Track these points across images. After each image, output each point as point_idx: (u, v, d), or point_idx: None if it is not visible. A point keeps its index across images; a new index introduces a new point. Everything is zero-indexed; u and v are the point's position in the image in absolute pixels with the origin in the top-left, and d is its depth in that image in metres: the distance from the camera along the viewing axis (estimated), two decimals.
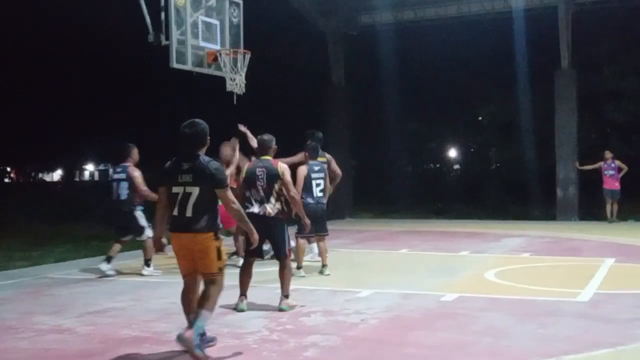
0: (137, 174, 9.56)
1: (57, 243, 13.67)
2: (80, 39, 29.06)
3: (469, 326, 6.53)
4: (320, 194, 9.50)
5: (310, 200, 9.32)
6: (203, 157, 5.64)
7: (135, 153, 9.81)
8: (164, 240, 5.82)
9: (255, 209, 7.28)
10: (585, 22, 19.91)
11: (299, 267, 9.47)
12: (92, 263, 11.23)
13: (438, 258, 11.53)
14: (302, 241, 9.63)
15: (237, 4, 11.51)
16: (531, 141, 23.22)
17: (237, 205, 5.76)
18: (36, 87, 32.35)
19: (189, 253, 5.61)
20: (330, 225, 17.19)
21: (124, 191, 9.57)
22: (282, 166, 7.44)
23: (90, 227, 16.41)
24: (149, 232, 9.40)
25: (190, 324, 5.49)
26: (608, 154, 17.71)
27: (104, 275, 9.57)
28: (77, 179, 59.55)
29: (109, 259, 9.65)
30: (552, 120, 19.20)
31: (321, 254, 9.71)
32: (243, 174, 7.55)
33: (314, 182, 9.39)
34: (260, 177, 7.33)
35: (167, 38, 10.34)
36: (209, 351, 5.59)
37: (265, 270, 9.34)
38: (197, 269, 5.65)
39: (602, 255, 11.31)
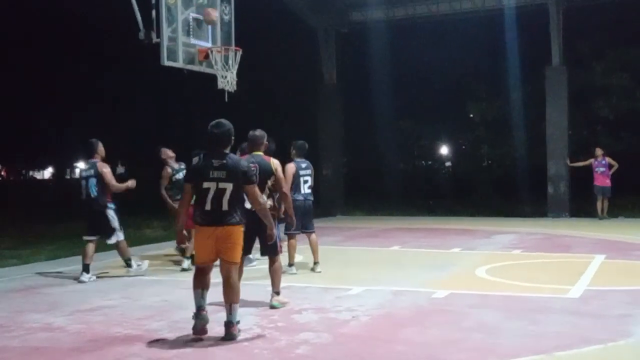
0: (106, 169, 9.24)
1: (48, 241, 13.63)
2: (72, 36, 29.02)
3: (459, 323, 6.56)
4: (308, 191, 9.60)
5: (299, 197, 9.39)
6: (232, 155, 6.17)
7: (101, 148, 9.46)
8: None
9: (247, 204, 7.25)
10: (576, 19, 19.98)
11: (290, 265, 9.49)
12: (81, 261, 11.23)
13: (429, 255, 11.56)
14: (292, 240, 9.57)
15: (229, 1, 11.47)
16: (522, 138, 23.31)
17: (263, 200, 6.40)
18: (27, 84, 32.23)
19: (215, 244, 6.00)
20: (322, 223, 17.29)
21: (93, 188, 9.19)
22: (275, 162, 7.44)
23: (81, 225, 16.32)
24: (119, 235, 9.32)
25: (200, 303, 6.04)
26: (599, 151, 17.78)
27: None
28: (68, 177, 59.32)
29: (86, 268, 9.13)
30: (543, 117, 19.28)
31: (313, 250, 9.71)
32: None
33: (302, 179, 9.48)
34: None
35: (158, 36, 10.30)
36: (204, 356, 5.58)
37: (257, 268, 9.35)
38: (217, 258, 6.07)
39: (593, 251, 11.37)
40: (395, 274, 9.60)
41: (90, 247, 9.24)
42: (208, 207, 5.97)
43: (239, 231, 6.08)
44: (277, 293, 7.35)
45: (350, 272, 9.77)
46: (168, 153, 10.69)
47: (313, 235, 9.70)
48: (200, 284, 6.10)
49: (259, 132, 7.62)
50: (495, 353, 5.55)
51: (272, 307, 7.23)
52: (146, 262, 9.82)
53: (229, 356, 5.59)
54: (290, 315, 6.90)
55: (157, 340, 6.06)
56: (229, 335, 5.96)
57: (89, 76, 30.99)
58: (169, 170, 10.51)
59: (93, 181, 9.18)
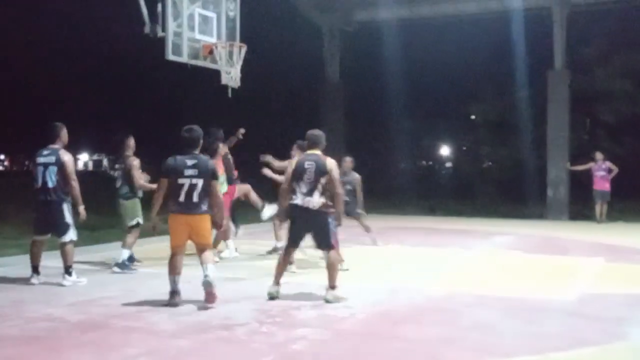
0: (67, 158, 8.30)
1: None
2: (77, 28, 29.00)
3: (457, 322, 6.60)
4: None
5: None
6: (201, 156, 7.27)
7: (64, 134, 8.52)
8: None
9: (299, 200, 7.41)
10: (579, 23, 20.01)
11: (290, 263, 9.51)
12: (83, 252, 11.25)
13: (428, 254, 11.59)
14: None
15: None
16: (523, 140, 23.31)
17: (221, 195, 7.47)
18: (31, 76, 32.24)
19: (187, 229, 7.12)
20: None
21: (52, 177, 8.18)
22: (331, 162, 7.51)
23: (29, 220, 16.34)
24: (72, 234, 8.37)
25: (175, 285, 7.20)
26: (599, 155, 17.81)
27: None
28: None
29: (36, 269, 8.49)
30: (544, 120, 19.31)
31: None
32: (292, 166, 7.57)
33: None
34: (308, 170, 7.42)
35: (164, 30, 10.36)
36: (202, 349, 5.63)
37: (260, 265, 9.39)
38: (190, 241, 7.21)
39: (591, 254, 11.40)
40: (394, 271, 9.65)
41: (37, 245, 8.49)
42: (182, 199, 7.08)
43: (207, 219, 7.21)
44: (333, 287, 7.40)
45: (349, 270, 9.79)
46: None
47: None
48: (175, 269, 7.17)
49: (317, 132, 7.79)
50: (492, 352, 5.59)
51: (327, 301, 7.28)
52: (85, 280, 8.57)
53: (228, 350, 5.64)
54: (289, 311, 6.94)
55: (156, 332, 6.10)
56: (205, 282, 7.05)
57: (93, 67, 31.01)
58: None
59: (53, 169, 8.19)
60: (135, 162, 9.36)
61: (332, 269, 7.45)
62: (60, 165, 8.20)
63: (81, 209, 8.35)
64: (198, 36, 10.87)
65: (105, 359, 5.31)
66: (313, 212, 7.41)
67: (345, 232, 12.76)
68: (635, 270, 9.94)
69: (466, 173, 27.03)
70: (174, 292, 7.19)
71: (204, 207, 7.15)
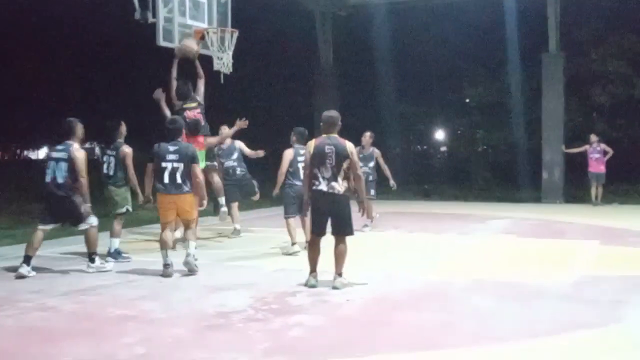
0: (79, 154, 8.21)
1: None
2: (68, 16, 28.73)
3: (453, 307, 6.59)
4: None
5: (297, 182, 9.55)
6: (182, 143, 8.33)
7: (80, 130, 8.48)
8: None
9: (323, 186, 7.31)
10: (574, 5, 19.93)
11: (293, 244, 9.72)
12: (76, 241, 11.19)
13: (424, 239, 11.58)
14: (291, 220, 9.83)
15: None
16: (518, 124, 23.29)
17: (201, 177, 8.36)
18: (21, 63, 31.97)
19: (174, 207, 8.16)
20: None
21: (62, 172, 8.15)
22: (350, 145, 7.40)
23: (37, 210, 16.29)
24: (92, 220, 8.31)
25: (167, 258, 8.14)
26: (593, 137, 17.79)
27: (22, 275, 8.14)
28: None
29: (28, 260, 8.21)
30: (539, 102, 19.26)
31: (305, 232, 9.66)
32: (311, 151, 7.42)
33: (299, 165, 9.47)
34: (329, 154, 7.29)
35: (154, 16, 10.24)
36: (197, 337, 5.60)
37: (255, 251, 9.36)
38: (177, 217, 8.30)
39: (587, 237, 11.41)
40: (390, 257, 9.63)
41: (39, 235, 8.29)
42: (166, 180, 8.09)
43: (190, 197, 8.22)
44: (340, 274, 7.36)
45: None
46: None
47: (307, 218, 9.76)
48: (165, 244, 8.14)
49: (334, 113, 7.64)
50: (488, 337, 5.57)
51: (335, 288, 7.23)
52: (112, 263, 8.80)
53: (224, 337, 5.61)
54: (285, 298, 6.91)
55: (151, 321, 6.07)
56: (186, 261, 8.13)
57: (83, 54, 30.78)
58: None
59: (63, 166, 8.17)
60: (129, 151, 9.27)
61: (341, 256, 7.39)
62: (71, 161, 8.15)
63: (86, 206, 8.24)
64: (189, 22, 10.75)
65: (101, 348, 5.28)
66: (338, 197, 7.32)
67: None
68: (631, 252, 9.95)
69: (461, 157, 27.01)
70: (167, 265, 8.07)
71: (186, 187, 8.13)
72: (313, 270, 7.49)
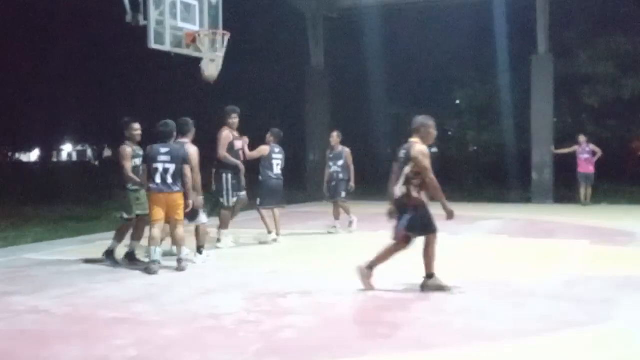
0: (192, 151, 8.83)
1: (34, 224, 13.58)
2: (59, 16, 28.64)
3: (443, 306, 6.63)
4: (279, 172, 11.14)
5: (272, 175, 11.02)
6: (173, 145, 8.63)
7: (193, 130, 9.20)
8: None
9: (395, 189, 7.23)
10: (562, 7, 20.05)
11: (269, 232, 10.95)
12: (69, 244, 11.21)
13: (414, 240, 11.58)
14: (264, 211, 11.04)
15: None
16: (508, 125, 23.38)
17: (192, 176, 8.58)
18: (13, 65, 31.81)
19: (164, 206, 8.41)
20: (309, 208, 17.36)
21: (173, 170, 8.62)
22: (416, 150, 7.10)
23: (68, 208, 16.31)
24: (203, 218, 9.12)
25: (154, 254, 8.35)
26: (582, 138, 17.92)
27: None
28: (55, 160, 58.87)
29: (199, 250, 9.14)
30: (529, 104, 19.39)
31: (276, 222, 11.03)
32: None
33: (274, 162, 11.06)
34: (401, 159, 7.24)
35: (145, 18, 10.24)
36: (190, 339, 5.62)
37: (246, 253, 9.37)
38: (167, 216, 8.46)
39: (576, 237, 11.49)
40: None
41: (204, 228, 9.19)
42: (158, 180, 8.41)
43: (180, 197, 8.48)
44: (429, 277, 7.23)
45: (337, 256, 9.84)
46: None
47: (276, 210, 11.11)
48: (154, 240, 8.33)
49: (421, 118, 7.47)
50: (478, 336, 5.61)
51: (424, 288, 7.15)
52: (210, 254, 9.46)
53: (216, 338, 5.63)
54: (276, 299, 6.94)
55: (143, 323, 6.09)
56: (180, 267, 8.46)
57: (76, 57, 30.66)
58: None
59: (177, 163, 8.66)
60: (125, 151, 9.05)
61: (426, 257, 7.28)
62: (185, 158, 8.64)
63: (198, 198, 8.81)
64: (180, 24, 10.75)
65: (93, 351, 5.29)
66: (396, 201, 7.24)
67: (333, 219, 12.84)
68: (620, 252, 10.03)
69: (451, 158, 27.08)
70: (154, 261, 8.32)
71: (177, 187, 8.45)
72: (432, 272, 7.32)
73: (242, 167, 10.51)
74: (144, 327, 5.95)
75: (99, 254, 9.42)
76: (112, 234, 10.63)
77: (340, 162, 12.71)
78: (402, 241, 7.38)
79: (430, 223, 7.27)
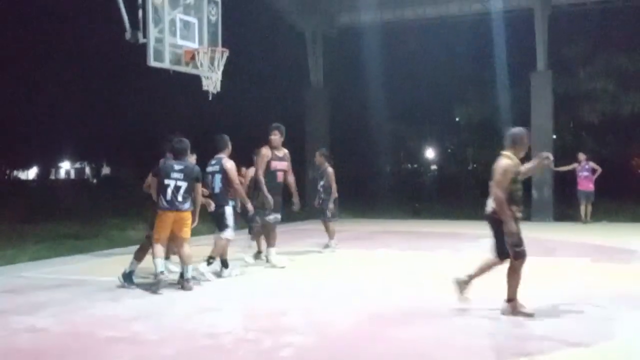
0: (229, 165, 9.24)
1: (32, 241, 13.51)
2: (58, 36, 28.75)
3: (444, 324, 6.57)
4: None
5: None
6: (188, 162, 8.57)
7: (229, 144, 9.48)
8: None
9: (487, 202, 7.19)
10: (561, 24, 20.14)
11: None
12: (67, 262, 11.14)
13: (416, 258, 11.57)
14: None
15: (216, 3, 11.45)
16: None
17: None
18: (12, 83, 31.90)
19: (171, 225, 8.31)
20: (309, 225, 17.27)
21: (217, 184, 9.26)
22: (498, 165, 7.11)
23: (66, 225, 16.25)
24: (228, 233, 9.21)
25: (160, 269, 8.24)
26: (582, 156, 17.91)
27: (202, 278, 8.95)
28: (53, 177, 58.91)
29: (224, 263, 9.40)
30: (528, 121, 19.37)
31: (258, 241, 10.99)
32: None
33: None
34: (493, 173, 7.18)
35: (145, 36, 10.26)
36: (188, 358, 5.56)
37: (244, 268, 9.31)
38: (172, 234, 8.38)
39: (577, 255, 11.44)
40: (382, 276, 9.60)
41: (223, 242, 9.26)
42: (169, 197, 8.27)
43: (189, 215, 8.43)
44: (510, 300, 7.02)
45: (337, 274, 9.78)
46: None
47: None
48: (158, 253, 8.26)
49: (516, 130, 7.58)
50: (479, 355, 5.56)
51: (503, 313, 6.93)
52: (236, 269, 9.64)
53: (215, 357, 5.57)
54: (275, 317, 6.88)
55: (141, 342, 6.03)
56: (186, 287, 8.25)
57: (75, 75, 30.76)
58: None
59: (218, 177, 9.27)
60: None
61: (509, 278, 7.14)
62: (223, 172, 9.22)
63: (248, 205, 9.50)
64: (180, 42, 10.78)
65: None
66: (487, 217, 7.23)
67: (337, 236, 12.80)
68: (621, 269, 9.98)
69: (451, 175, 27.11)
70: (162, 272, 8.22)
71: (187, 205, 8.36)
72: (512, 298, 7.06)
73: (269, 197, 9.99)
74: (142, 346, 5.89)
75: (97, 271, 9.36)
76: (110, 251, 10.56)
77: (322, 182, 12.51)
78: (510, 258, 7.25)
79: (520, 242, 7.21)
